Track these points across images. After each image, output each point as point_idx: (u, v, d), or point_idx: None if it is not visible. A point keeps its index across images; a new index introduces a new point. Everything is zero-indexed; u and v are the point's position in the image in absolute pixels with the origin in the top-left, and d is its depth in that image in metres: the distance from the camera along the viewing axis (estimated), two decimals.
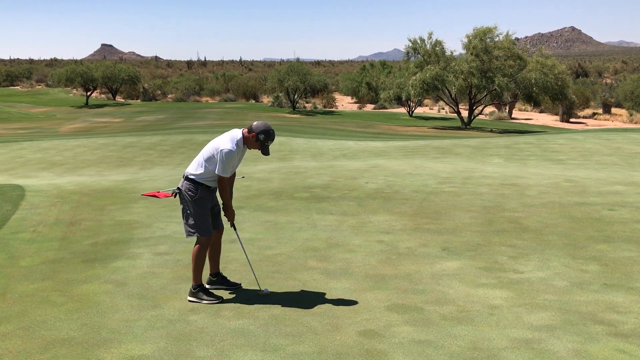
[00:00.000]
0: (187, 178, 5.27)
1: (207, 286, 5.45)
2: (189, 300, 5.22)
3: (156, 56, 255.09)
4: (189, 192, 5.22)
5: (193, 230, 5.25)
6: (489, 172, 12.80)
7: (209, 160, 5.17)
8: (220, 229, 5.53)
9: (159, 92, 78.32)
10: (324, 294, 5.34)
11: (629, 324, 4.58)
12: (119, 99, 75.00)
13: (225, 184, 5.26)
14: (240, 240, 5.76)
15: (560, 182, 11.00)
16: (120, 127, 38.73)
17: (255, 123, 5.20)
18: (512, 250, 6.67)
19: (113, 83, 70.58)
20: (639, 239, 6.95)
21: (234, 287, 5.54)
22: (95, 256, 6.63)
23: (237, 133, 5.21)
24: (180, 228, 7.81)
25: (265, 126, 5.18)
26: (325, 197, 9.80)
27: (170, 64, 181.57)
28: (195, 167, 5.25)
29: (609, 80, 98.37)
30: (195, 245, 5.29)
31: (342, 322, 4.72)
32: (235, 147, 5.10)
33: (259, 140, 5.16)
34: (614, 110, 62.02)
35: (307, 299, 5.21)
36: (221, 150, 5.09)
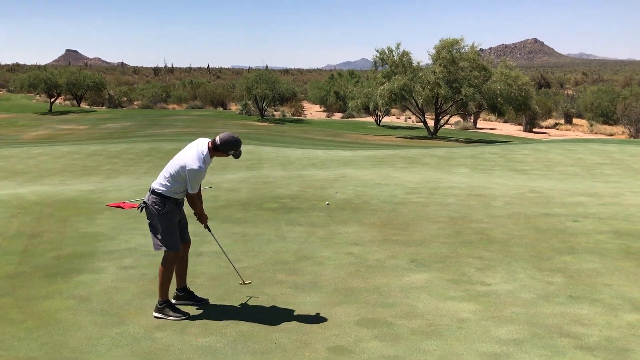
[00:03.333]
0: (153, 192, 5.16)
1: (174, 301, 5.34)
2: (155, 317, 5.11)
3: (122, 62, 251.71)
4: (156, 206, 5.12)
5: (161, 245, 5.14)
6: (456, 182, 12.93)
7: (176, 175, 5.07)
8: (187, 242, 5.44)
9: (125, 99, 77.26)
10: (293, 309, 5.29)
11: (593, 337, 4.64)
12: (83, 105, 73.71)
13: (194, 198, 5.19)
14: (216, 239, 5.89)
15: (525, 193, 11.17)
16: (85, 135, 38.03)
17: (220, 137, 5.08)
18: (479, 262, 6.72)
19: (78, 89, 69.33)
20: (602, 250, 7.09)
21: (201, 302, 5.45)
22: (57, 270, 6.44)
23: (203, 147, 5.09)
24: (146, 240, 7.69)
25: (231, 137, 5.07)
26: (294, 208, 9.75)
27: (136, 70, 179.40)
28: (162, 181, 5.15)
29: (570, 92, 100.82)
30: (162, 259, 5.18)
31: (312, 338, 4.67)
32: (203, 165, 5.02)
33: (227, 153, 5.09)
34: (575, 120, 63.59)
35: (276, 315, 5.15)
36: (189, 169, 4.99)
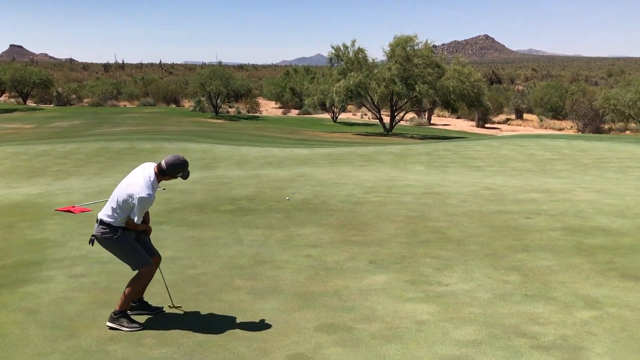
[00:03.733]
0: (101, 222, 4.96)
1: (127, 312, 5.17)
2: (109, 327, 4.93)
3: (71, 58, 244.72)
4: (107, 236, 4.93)
5: (136, 264, 4.98)
6: (412, 180, 13.04)
7: (124, 205, 4.86)
8: (155, 255, 5.25)
9: (74, 96, 75.24)
10: (252, 316, 5.20)
11: (549, 336, 4.72)
12: (30, 103, 71.41)
13: (137, 225, 4.97)
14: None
15: (479, 190, 11.34)
16: (32, 134, 36.79)
17: (166, 161, 4.87)
18: (436, 262, 6.76)
19: (23, 86, 67.15)
20: (555, 247, 7.24)
21: (156, 311, 5.29)
22: (2, 281, 6.16)
23: (149, 172, 4.89)
24: (98, 247, 7.44)
25: (177, 160, 4.87)
26: (251, 210, 9.63)
27: (85, 66, 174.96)
28: (109, 212, 4.93)
29: (520, 87, 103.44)
30: (138, 274, 5.00)
31: (271, 346, 4.59)
32: (152, 192, 4.84)
33: (175, 176, 4.94)
34: (525, 115, 65.32)
35: (233, 322, 5.05)
36: (139, 197, 4.78)
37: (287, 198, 9.99)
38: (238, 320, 5.09)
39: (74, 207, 9.97)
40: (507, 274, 6.29)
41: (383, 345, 4.58)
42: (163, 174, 4.90)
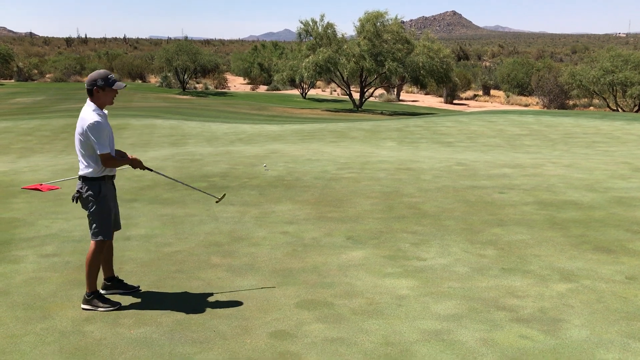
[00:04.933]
0: (83, 179, 4.81)
1: (102, 292, 5.05)
2: (83, 309, 4.81)
3: (31, 32, 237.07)
4: (90, 192, 4.77)
5: (97, 234, 4.82)
6: (385, 156, 13.05)
7: (86, 147, 4.71)
8: (118, 229, 5.13)
9: (36, 71, 73.10)
10: (231, 293, 5.13)
11: (527, 309, 4.78)
12: None
13: (113, 160, 4.79)
14: (162, 174, 5.92)
15: (452, 166, 11.41)
16: None
17: (88, 78, 4.78)
18: (413, 237, 6.78)
19: None
20: (529, 222, 7.33)
21: (132, 290, 5.18)
22: None
23: (88, 105, 4.79)
24: (69, 225, 7.29)
25: (92, 74, 4.81)
26: (224, 187, 9.50)
27: (47, 41, 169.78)
28: (83, 165, 4.79)
29: (487, 64, 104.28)
30: (91, 249, 4.85)
31: (252, 323, 4.54)
32: (99, 117, 4.69)
33: (103, 87, 4.73)
34: (492, 92, 65.96)
35: (213, 301, 4.98)
36: (87, 126, 4.65)
37: (265, 167, 10.09)
38: (217, 298, 5.02)
39: (41, 185, 9.69)
40: (484, 249, 6.35)
41: (364, 321, 4.58)
42: (92, 94, 4.75)
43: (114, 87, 4.77)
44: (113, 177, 4.97)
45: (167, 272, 5.66)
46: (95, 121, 4.65)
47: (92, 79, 4.76)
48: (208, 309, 4.80)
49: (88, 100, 4.81)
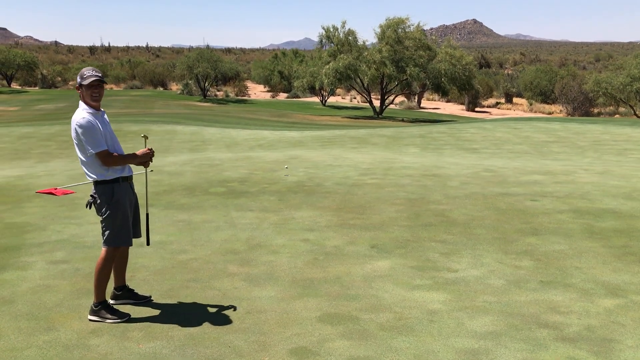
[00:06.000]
0: (95, 183, 4.50)
1: (111, 302, 4.72)
2: (90, 320, 4.48)
3: (56, 41, 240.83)
4: (102, 196, 4.45)
5: (110, 242, 4.49)
6: (408, 162, 12.63)
7: (83, 150, 4.40)
8: (137, 236, 4.78)
9: (59, 78, 73.94)
10: (248, 305, 4.76)
11: (573, 327, 4.34)
12: (14, 86, 70.13)
13: (114, 157, 4.41)
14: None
15: (480, 172, 10.96)
16: (16, 116, 35.95)
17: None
18: (442, 246, 6.37)
19: (8, 69, 65.89)
20: (566, 231, 6.86)
21: (144, 300, 4.84)
22: None
23: (80, 103, 4.48)
24: (81, 231, 7.00)
25: (80, 72, 4.48)
26: (243, 192, 9.17)
27: (71, 49, 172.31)
28: (88, 171, 4.47)
29: (509, 71, 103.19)
30: (102, 255, 4.52)
31: (270, 339, 4.17)
32: (87, 116, 4.36)
33: (84, 85, 4.39)
34: (515, 99, 65.06)
35: (229, 313, 4.62)
36: (77, 126, 4.33)
37: (285, 174, 9.72)
38: (233, 310, 4.66)
39: (56, 189, 9.45)
40: (519, 259, 5.91)
41: (393, 338, 4.18)
42: (81, 91, 4.43)
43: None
44: (129, 178, 4.63)
45: (181, 281, 5.32)
46: (82, 119, 4.34)
47: (82, 76, 4.45)
48: (223, 322, 4.43)
49: (80, 101, 4.52)
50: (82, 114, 4.39)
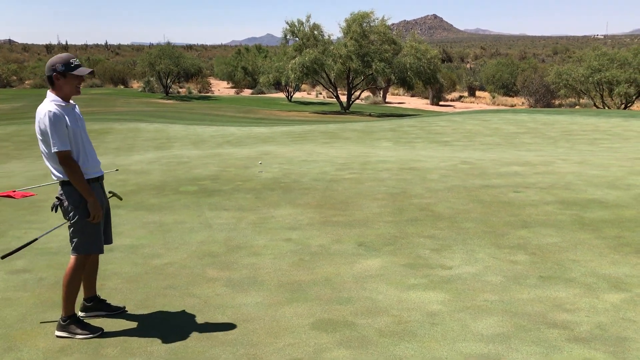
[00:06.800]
0: (62, 184, 4.02)
1: (81, 315, 4.26)
2: (58, 336, 4.02)
3: (10, 39, 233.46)
4: (70, 199, 3.99)
5: (78, 249, 4.02)
6: (384, 156, 12.35)
7: (48, 145, 3.93)
8: (108, 242, 4.32)
9: (15, 77, 71.55)
10: (233, 313, 4.36)
11: (583, 325, 4.07)
12: None
13: (73, 163, 3.93)
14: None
15: (458, 165, 10.74)
16: None
17: (47, 64, 3.98)
18: (432, 242, 6.07)
19: None
20: (556, 223, 6.65)
21: (117, 312, 4.39)
22: None
23: (48, 94, 4.01)
24: (44, 236, 6.44)
25: (59, 57, 3.99)
26: (216, 190, 8.72)
27: (26, 47, 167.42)
28: (53, 169, 4.00)
29: (471, 65, 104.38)
30: (71, 264, 4.05)
31: (261, 351, 3.78)
32: (56, 107, 3.90)
33: (64, 73, 3.93)
34: (478, 93, 65.76)
35: (212, 323, 4.21)
36: (43, 118, 3.88)
37: (260, 171, 9.33)
38: (217, 320, 4.25)
39: (14, 191, 8.83)
40: (513, 254, 5.65)
41: (396, 345, 3.84)
42: (52, 83, 3.96)
43: (74, 73, 3.95)
44: (100, 178, 4.18)
45: (157, 288, 4.88)
46: (49, 111, 3.86)
47: (52, 63, 3.94)
48: (207, 334, 4.03)
49: (48, 92, 4.01)
50: (50, 106, 3.91)
